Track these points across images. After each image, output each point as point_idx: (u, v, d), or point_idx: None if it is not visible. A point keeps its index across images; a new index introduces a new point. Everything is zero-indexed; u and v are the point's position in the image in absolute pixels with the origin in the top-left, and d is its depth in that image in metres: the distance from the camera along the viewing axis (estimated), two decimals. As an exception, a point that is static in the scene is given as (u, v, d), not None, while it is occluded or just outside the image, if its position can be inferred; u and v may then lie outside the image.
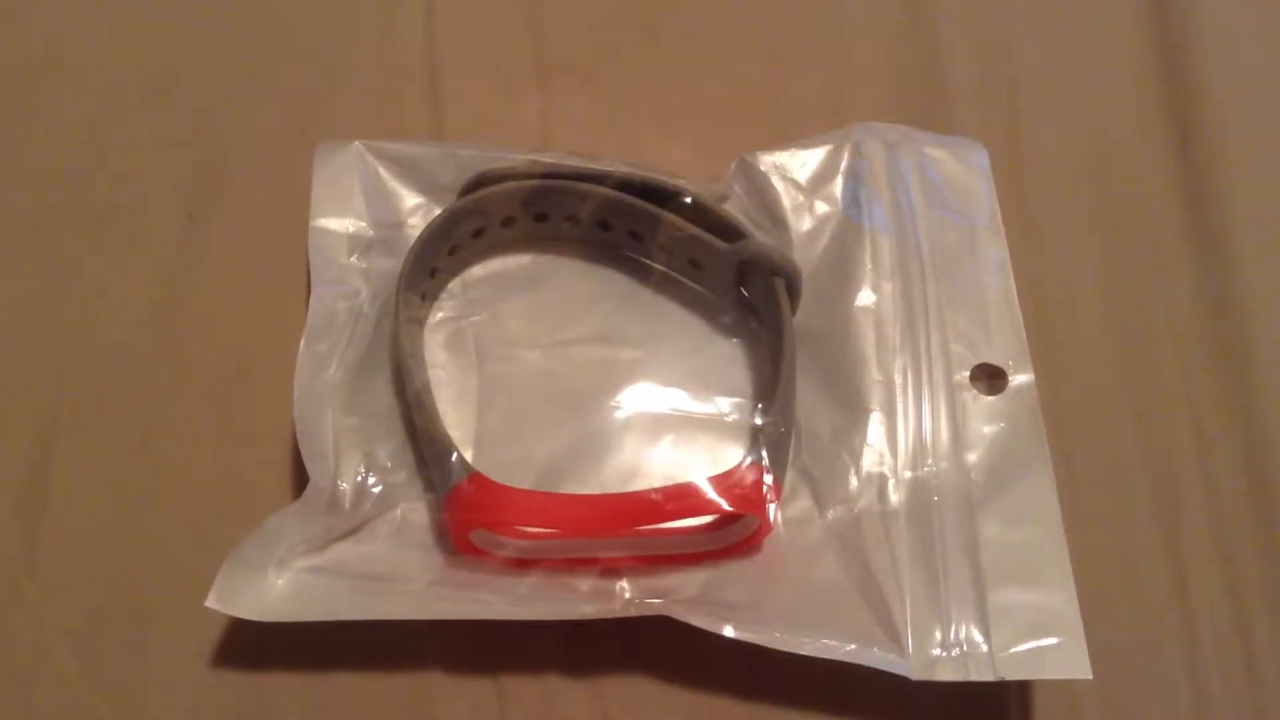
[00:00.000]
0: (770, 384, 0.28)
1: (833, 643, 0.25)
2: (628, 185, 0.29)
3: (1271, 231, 0.31)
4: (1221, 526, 0.28)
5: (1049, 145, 0.33)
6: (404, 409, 0.28)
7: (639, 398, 0.28)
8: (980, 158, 0.31)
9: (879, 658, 0.25)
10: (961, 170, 0.31)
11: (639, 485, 0.27)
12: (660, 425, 0.28)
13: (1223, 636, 0.27)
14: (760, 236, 0.29)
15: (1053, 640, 0.25)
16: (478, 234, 0.29)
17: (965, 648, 0.25)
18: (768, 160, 0.30)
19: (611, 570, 0.26)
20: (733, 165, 0.31)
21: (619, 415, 0.28)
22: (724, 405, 0.28)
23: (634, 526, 0.26)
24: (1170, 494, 0.29)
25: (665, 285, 0.30)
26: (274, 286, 0.30)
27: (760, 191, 0.30)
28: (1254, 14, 0.34)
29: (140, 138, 0.32)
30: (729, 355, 0.29)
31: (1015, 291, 0.29)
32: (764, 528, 0.26)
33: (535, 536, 0.26)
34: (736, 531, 0.26)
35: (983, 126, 0.33)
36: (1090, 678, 0.25)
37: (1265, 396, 0.30)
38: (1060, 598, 0.26)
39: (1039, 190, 0.32)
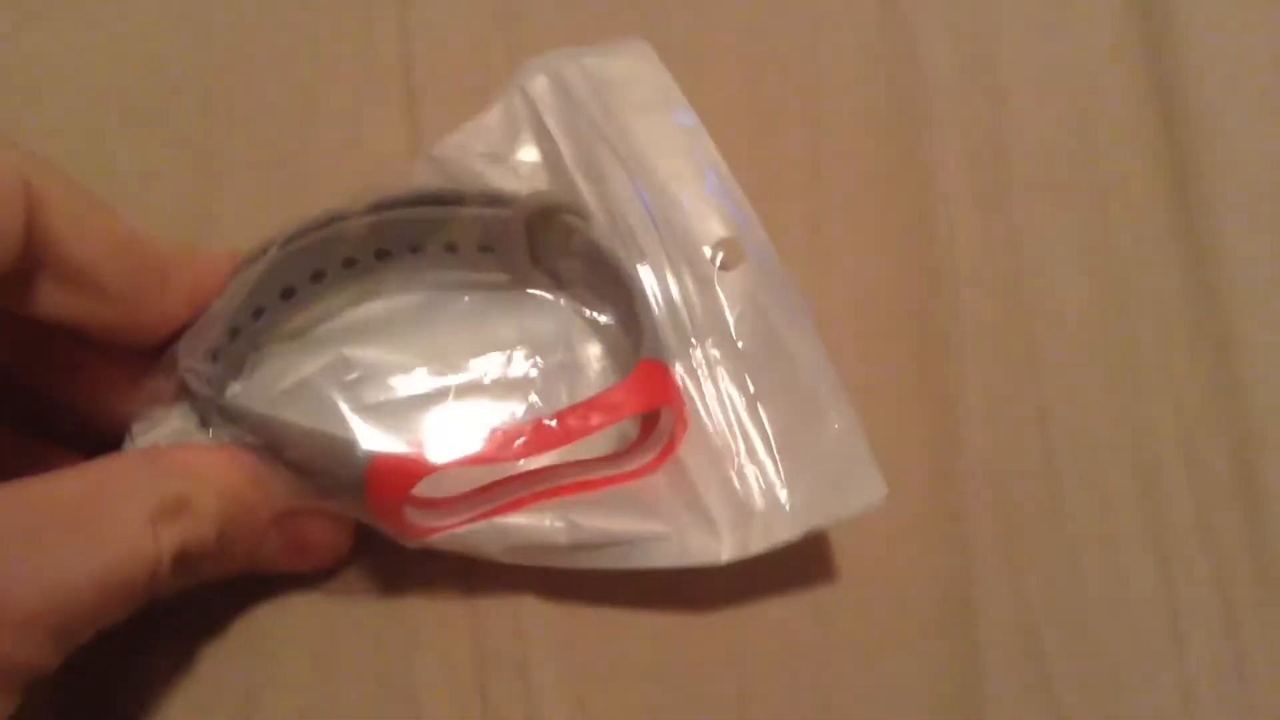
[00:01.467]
0: (626, 318, 0.28)
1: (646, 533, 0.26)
2: (386, 206, 0.28)
3: (1257, 219, 0.31)
4: (1208, 521, 0.28)
5: (1030, 135, 0.32)
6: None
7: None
8: (643, 48, 0.31)
9: (695, 547, 0.26)
10: (631, 67, 0.31)
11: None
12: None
13: (1211, 633, 0.28)
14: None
15: (850, 477, 0.27)
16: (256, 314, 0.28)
17: (769, 514, 0.26)
18: (451, 144, 0.30)
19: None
20: (418, 166, 0.30)
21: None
22: (593, 353, 0.29)
23: (553, 446, 0.26)
24: (1155, 488, 0.29)
25: (465, 286, 0.30)
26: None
27: (459, 179, 0.30)
28: (1237, -2, 0.33)
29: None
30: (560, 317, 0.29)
31: (724, 161, 0.29)
32: (679, 429, 0.27)
33: (461, 498, 0.26)
34: (654, 439, 0.27)
35: (963, 118, 0.32)
36: (885, 492, 0.26)
37: (1252, 388, 0.29)
38: (846, 436, 0.27)
39: (1021, 180, 0.32)
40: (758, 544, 0.26)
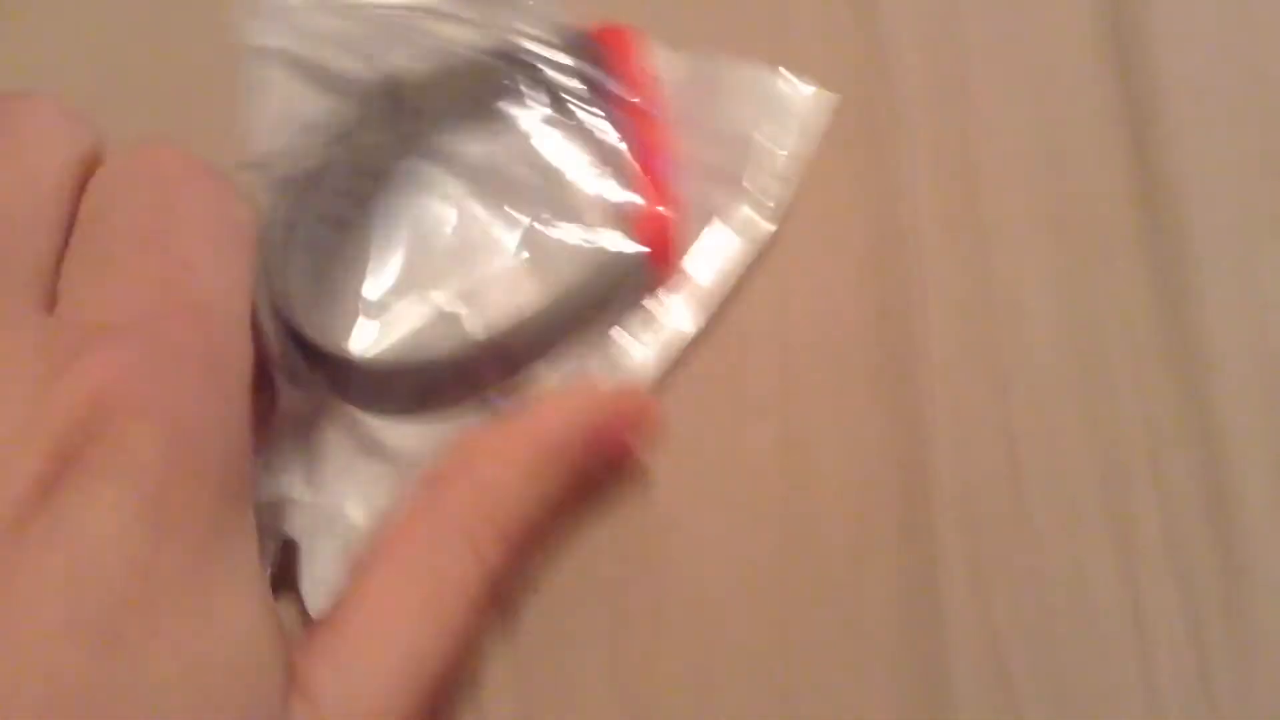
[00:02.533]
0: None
1: None
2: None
3: (1229, 233, 0.31)
4: (1177, 542, 0.28)
5: (1000, 145, 0.32)
6: None
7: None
8: None
9: None
10: None
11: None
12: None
13: (1178, 648, 0.27)
14: None
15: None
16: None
17: None
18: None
19: None
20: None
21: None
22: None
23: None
24: (1123, 506, 0.28)
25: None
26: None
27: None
28: (1210, 8, 0.33)
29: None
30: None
31: None
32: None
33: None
34: None
35: (932, 127, 0.32)
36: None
37: (1222, 405, 0.29)
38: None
39: (990, 191, 0.31)
40: None
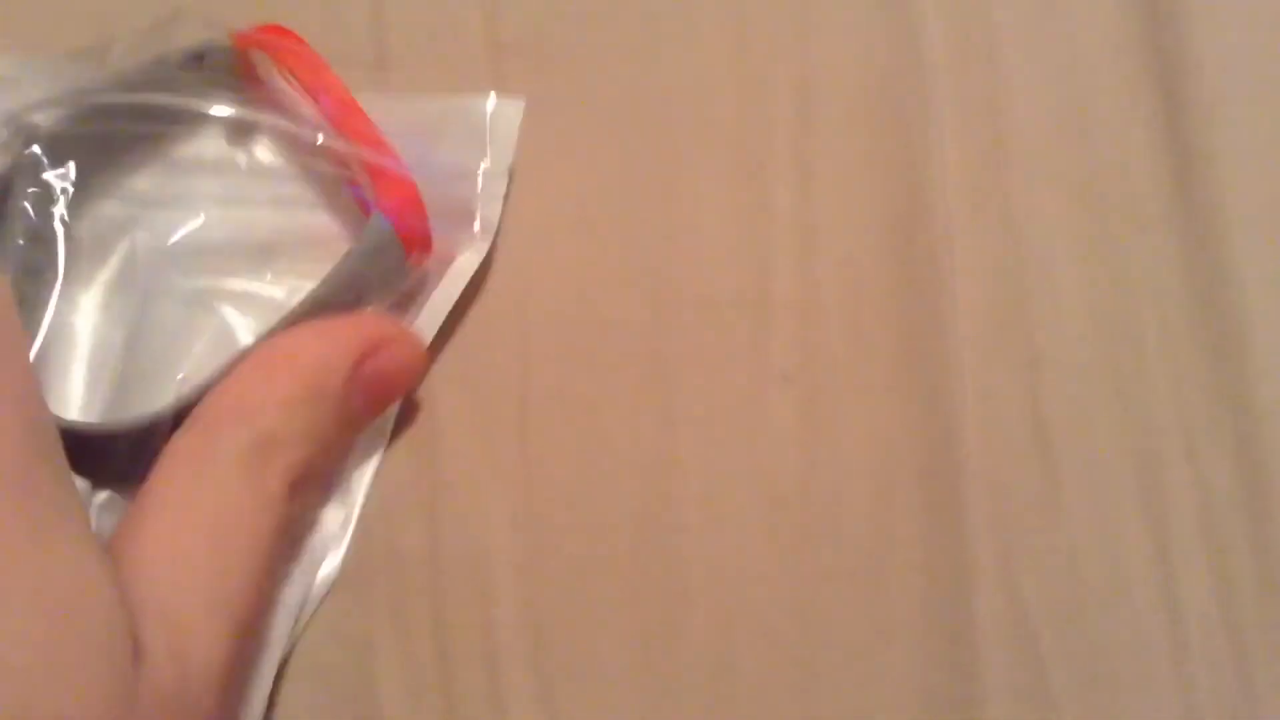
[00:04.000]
0: None
1: None
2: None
3: (1265, 210, 0.30)
4: (1211, 522, 0.28)
5: (1029, 122, 0.31)
6: None
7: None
8: None
9: None
10: None
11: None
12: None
13: (1212, 636, 0.27)
14: None
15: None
16: None
17: None
18: None
19: None
20: None
21: None
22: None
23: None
24: (1157, 485, 0.28)
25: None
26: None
27: None
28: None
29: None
30: None
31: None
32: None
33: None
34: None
35: (960, 104, 0.31)
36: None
37: (1257, 384, 0.29)
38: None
39: (1019, 162, 0.31)
40: None
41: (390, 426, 0.28)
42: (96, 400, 0.27)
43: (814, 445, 0.28)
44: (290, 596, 0.25)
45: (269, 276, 0.29)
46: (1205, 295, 0.29)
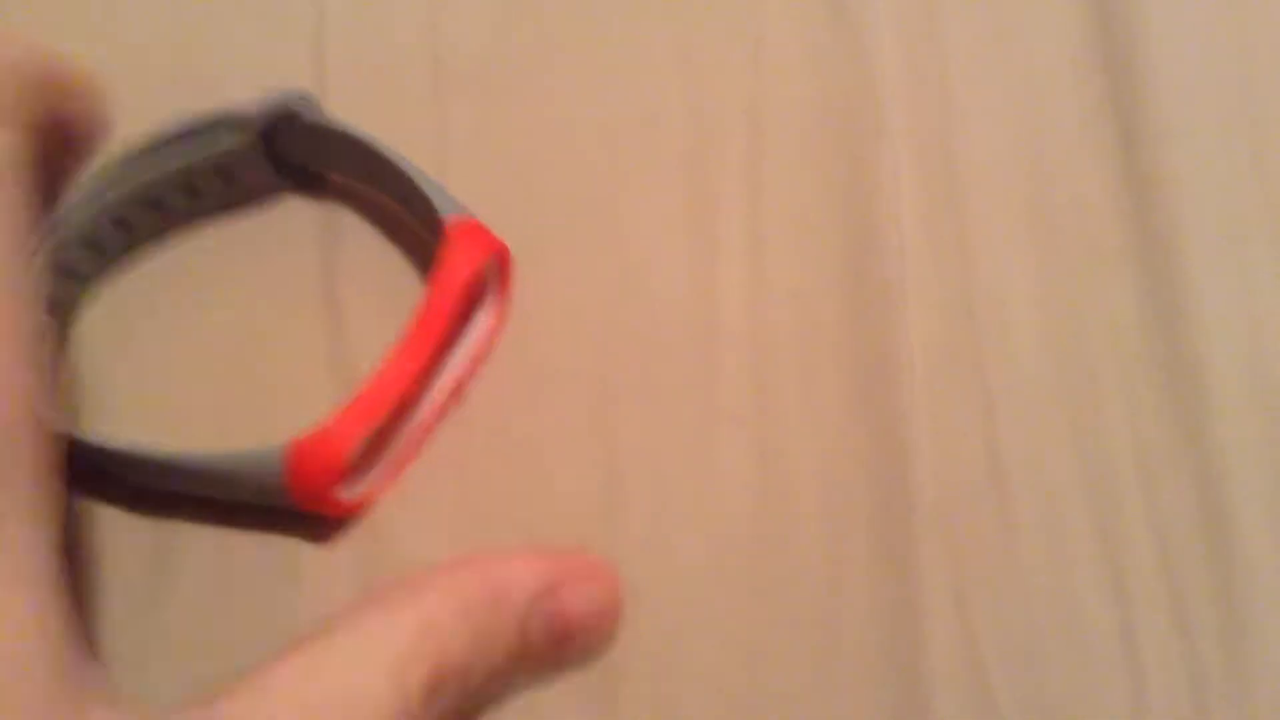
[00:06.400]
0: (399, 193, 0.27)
1: None
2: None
3: (1222, 241, 0.30)
4: (1169, 559, 0.27)
5: (982, 147, 0.31)
6: None
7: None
8: None
9: None
10: None
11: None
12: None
13: (1171, 675, 0.26)
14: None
15: None
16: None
17: None
18: None
19: None
20: None
21: None
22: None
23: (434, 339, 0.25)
24: (1114, 523, 0.27)
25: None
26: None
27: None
28: (1200, 9, 0.32)
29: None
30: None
31: None
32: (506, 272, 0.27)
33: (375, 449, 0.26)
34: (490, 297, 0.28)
35: (913, 130, 0.31)
36: None
37: (1215, 419, 0.28)
38: None
39: (973, 194, 0.30)
40: None
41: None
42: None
43: (765, 484, 0.27)
44: None
45: None
46: (1162, 328, 0.29)
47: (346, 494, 0.25)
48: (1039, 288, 0.29)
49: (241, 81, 0.29)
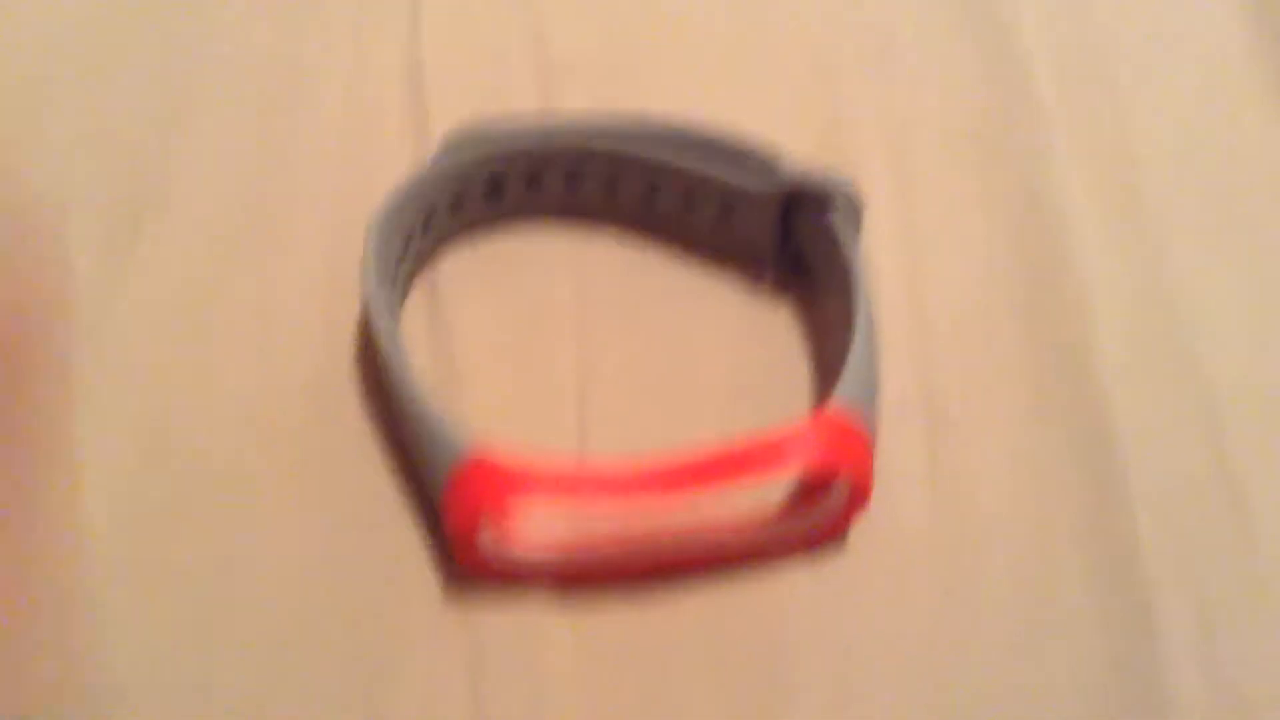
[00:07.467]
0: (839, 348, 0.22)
1: None
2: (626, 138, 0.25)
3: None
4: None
5: (1160, 148, 0.28)
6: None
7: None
8: None
9: None
10: None
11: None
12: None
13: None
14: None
15: None
16: (454, 208, 0.25)
17: None
18: None
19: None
20: None
21: None
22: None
23: (676, 489, 0.20)
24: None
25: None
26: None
27: None
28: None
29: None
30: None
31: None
32: (858, 495, 0.21)
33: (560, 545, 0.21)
34: (818, 512, 0.21)
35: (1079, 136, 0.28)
36: None
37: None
38: None
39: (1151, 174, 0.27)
40: None
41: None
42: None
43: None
44: None
45: None
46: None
47: (493, 548, 0.21)
48: (1233, 266, 0.26)
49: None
